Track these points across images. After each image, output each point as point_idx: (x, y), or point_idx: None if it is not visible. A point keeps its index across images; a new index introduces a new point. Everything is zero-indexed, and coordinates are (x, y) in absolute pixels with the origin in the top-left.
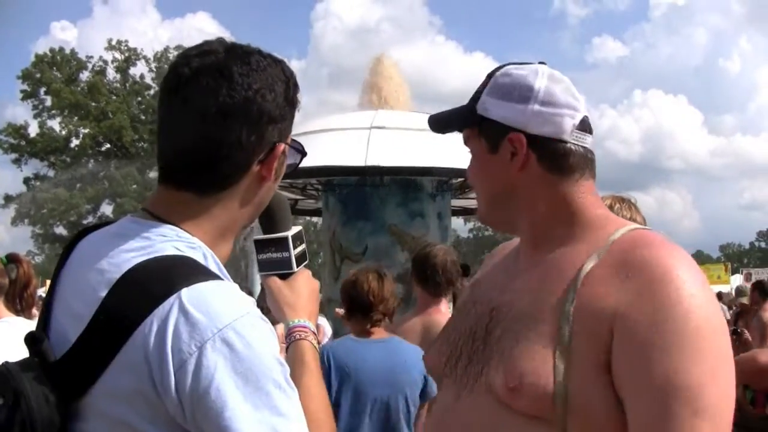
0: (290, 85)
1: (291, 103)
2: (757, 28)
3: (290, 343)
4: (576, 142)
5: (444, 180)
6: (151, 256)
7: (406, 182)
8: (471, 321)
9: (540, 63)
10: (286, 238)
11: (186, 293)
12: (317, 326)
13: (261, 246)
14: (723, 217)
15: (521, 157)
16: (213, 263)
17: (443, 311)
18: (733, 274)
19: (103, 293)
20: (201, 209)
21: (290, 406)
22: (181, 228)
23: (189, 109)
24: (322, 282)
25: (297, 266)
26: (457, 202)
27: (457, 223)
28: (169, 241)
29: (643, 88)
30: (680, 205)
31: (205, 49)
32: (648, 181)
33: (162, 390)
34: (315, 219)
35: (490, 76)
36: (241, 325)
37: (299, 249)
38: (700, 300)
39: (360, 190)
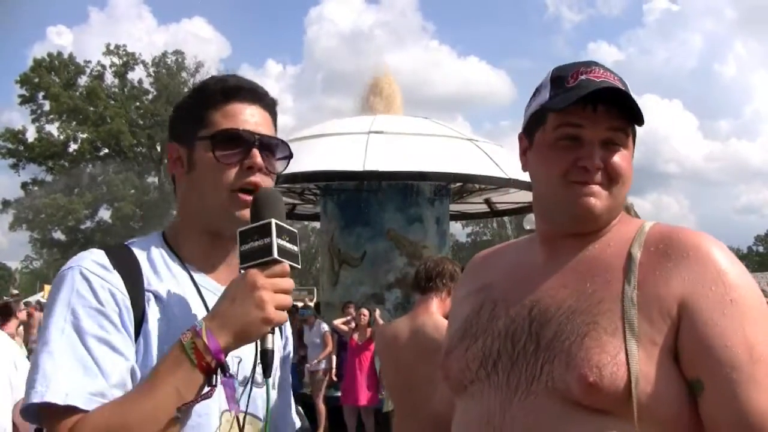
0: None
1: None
2: (751, 32)
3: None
4: None
5: (442, 185)
6: None
7: (405, 187)
8: (500, 323)
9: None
10: (269, 224)
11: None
12: (324, 333)
13: (245, 236)
14: (720, 222)
15: None
16: (156, 250)
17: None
18: None
19: None
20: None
21: (65, 351)
22: (165, 230)
23: None
24: (320, 287)
25: (280, 256)
26: (455, 207)
27: (455, 228)
28: (140, 237)
29: (639, 93)
30: (677, 209)
31: None
32: (644, 186)
33: None
34: (314, 224)
35: (617, 78)
36: (63, 270)
37: (288, 244)
38: (748, 277)
39: (358, 195)
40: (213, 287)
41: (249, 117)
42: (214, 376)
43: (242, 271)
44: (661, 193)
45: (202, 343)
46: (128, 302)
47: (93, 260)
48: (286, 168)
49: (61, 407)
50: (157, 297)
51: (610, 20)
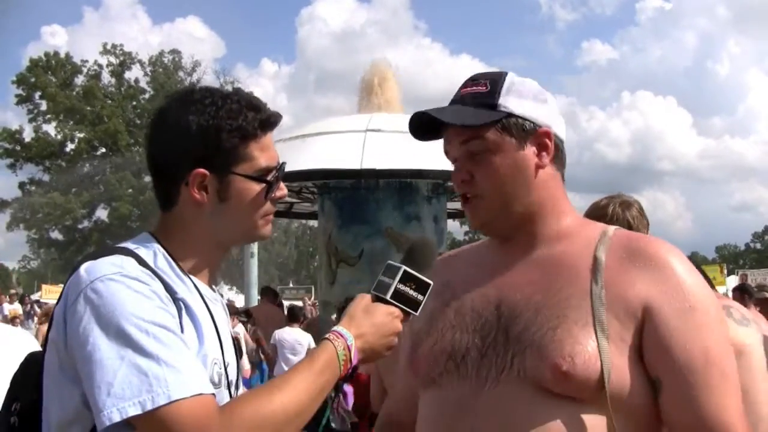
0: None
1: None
2: (744, 31)
3: (320, 340)
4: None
5: (439, 183)
6: None
7: (402, 185)
8: (467, 319)
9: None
10: (429, 285)
11: (87, 263)
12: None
13: (404, 277)
14: (716, 219)
15: (551, 151)
16: (162, 259)
17: None
18: (728, 275)
19: None
20: (163, 221)
21: (162, 350)
22: (159, 236)
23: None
24: (318, 285)
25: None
26: (452, 205)
27: (453, 226)
28: (132, 241)
29: (632, 90)
30: (673, 206)
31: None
32: (639, 183)
33: (64, 333)
34: (312, 222)
35: (489, 80)
36: (104, 279)
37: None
38: (704, 286)
39: (356, 193)
40: (210, 294)
41: (275, 148)
42: (340, 383)
43: (379, 301)
44: (656, 191)
45: (350, 357)
46: (174, 310)
47: (137, 268)
48: None
49: (188, 399)
50: (186, 306)
51: (603, 19)
